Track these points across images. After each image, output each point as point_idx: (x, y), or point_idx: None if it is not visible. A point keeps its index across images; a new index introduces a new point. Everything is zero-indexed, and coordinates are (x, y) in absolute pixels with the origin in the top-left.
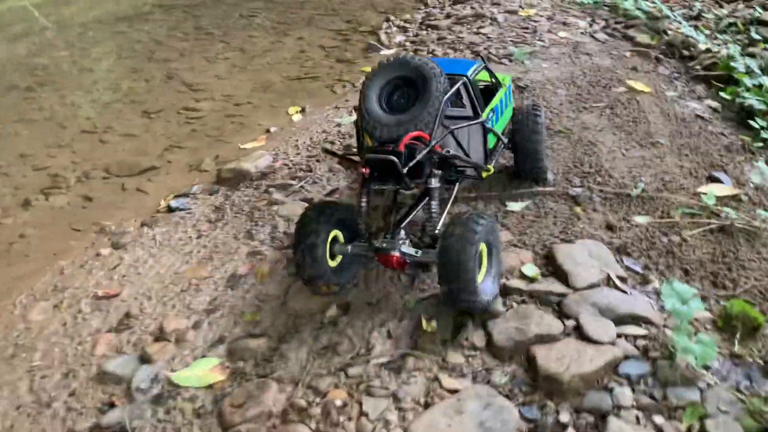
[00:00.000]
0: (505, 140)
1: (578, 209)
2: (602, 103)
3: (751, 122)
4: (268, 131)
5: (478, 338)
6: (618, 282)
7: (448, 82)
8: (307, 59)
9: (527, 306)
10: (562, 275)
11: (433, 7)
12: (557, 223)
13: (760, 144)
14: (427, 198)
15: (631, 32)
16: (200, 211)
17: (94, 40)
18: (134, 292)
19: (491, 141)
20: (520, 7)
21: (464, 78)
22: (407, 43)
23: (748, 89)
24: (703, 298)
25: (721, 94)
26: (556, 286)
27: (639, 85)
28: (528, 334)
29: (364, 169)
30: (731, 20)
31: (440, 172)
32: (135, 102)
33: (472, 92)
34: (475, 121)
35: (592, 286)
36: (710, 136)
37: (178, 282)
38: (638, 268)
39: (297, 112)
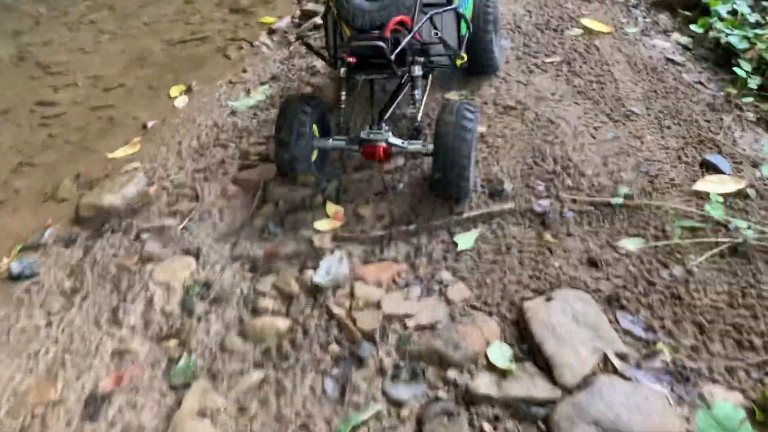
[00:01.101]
0: (472, 28)
1: (549, 236)
2: (557, 57)
3: (735, 69)
4: (144, 127)
5: None
6: (618, 364)
7: None
8: (193, 13)
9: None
10: (543, 362)
11: None
12: (524, 261)
13: (749, 98)
14: (408, 87)
15: None
16: (52, 278)
17: None
18: None
19: (463, 28)
20: None
21: None
22: None
23: (721, 19)
24: (729, 371)
25: (691, 26)
26: (539, 384)
27: (595, 24)
28: None
29: (349, 59)
30: None
31: (422, 59)
32: None
33: None
34: (451, 7)
35: (587, 381)
36: (688, 91)
37: (17, 412)
38: (640, 331)
39: (181, 92)
